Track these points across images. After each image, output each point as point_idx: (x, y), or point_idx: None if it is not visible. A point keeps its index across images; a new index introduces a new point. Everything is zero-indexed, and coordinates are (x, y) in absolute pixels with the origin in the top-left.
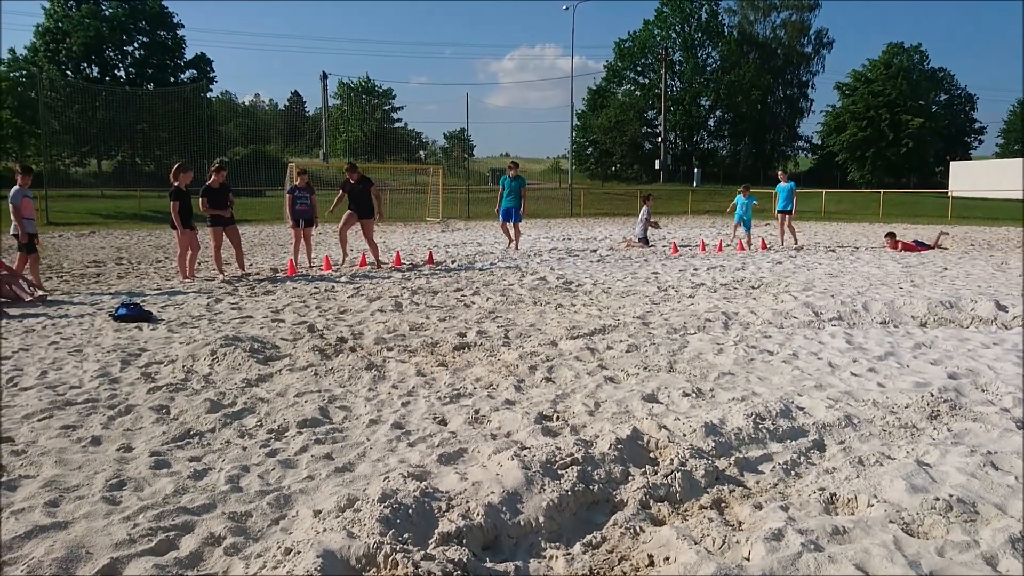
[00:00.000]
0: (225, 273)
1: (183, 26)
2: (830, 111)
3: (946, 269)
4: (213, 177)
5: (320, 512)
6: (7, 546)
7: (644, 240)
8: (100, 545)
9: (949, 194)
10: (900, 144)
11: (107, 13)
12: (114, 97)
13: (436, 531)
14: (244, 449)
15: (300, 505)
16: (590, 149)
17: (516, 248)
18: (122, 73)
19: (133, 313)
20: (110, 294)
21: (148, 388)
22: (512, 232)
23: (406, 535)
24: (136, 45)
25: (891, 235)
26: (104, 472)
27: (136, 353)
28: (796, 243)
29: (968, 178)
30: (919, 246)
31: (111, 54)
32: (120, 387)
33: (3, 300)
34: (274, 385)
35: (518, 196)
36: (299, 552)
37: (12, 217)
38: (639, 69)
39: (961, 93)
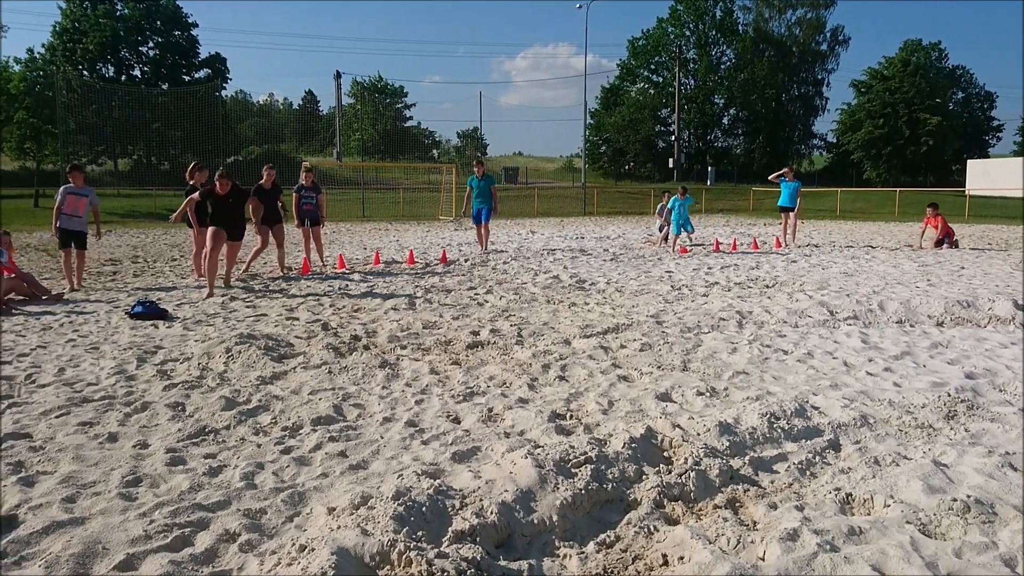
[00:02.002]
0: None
1: (197, 26)
2: (845, 109)
3: (963, 268)
4: (219, 183)
5: (334, 509)
6: (25, 541)
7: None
8: (116, 541)
9: (966, 192)
10: (917, 142)
11: (123, 13)
12: (129, 96)
13: (450, 529)
14: (259, 446)
15: (314, 502)
16: (603, 148)
17: (484, 250)
18: (137, 73)
19: (149, 311)
20: (126, 292)
21: (164, 385)
22: (483, 233)
23: (420, 533)
24: (151, 45)
25: (934, 205)
26: (120, 468)
27: (152, 351)
28: (783, 243)
29: (985, 176)
30: (947, 225)
31: (126, 54)
32: (136, 384)
33: (20, 298)
34: (288, 383)
35: (488, 196)
36: (313, 549)
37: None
38: (653, 67)
39: (979, 91)
